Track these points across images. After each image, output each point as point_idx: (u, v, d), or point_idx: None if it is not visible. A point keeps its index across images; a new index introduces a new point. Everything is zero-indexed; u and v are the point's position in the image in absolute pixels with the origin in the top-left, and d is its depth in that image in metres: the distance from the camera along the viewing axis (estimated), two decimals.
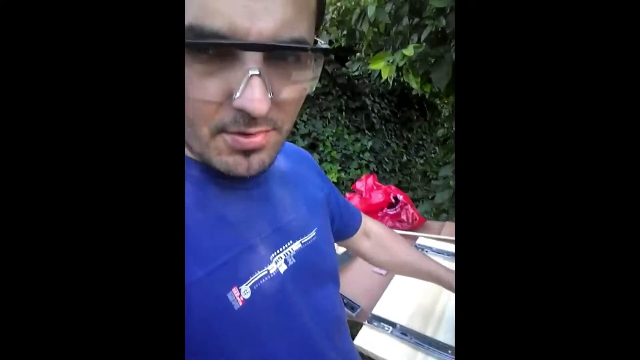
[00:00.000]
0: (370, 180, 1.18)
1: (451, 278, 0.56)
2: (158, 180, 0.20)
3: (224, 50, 0.24)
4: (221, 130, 0.27)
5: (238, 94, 0.25)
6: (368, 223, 0.62)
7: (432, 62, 1.16)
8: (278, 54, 0.26)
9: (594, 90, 0.18)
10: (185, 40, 0.22)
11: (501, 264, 0.19)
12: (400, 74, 1.29)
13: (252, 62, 0.24)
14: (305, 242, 0.39)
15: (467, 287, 0.20)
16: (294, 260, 0.37)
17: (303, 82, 0.28)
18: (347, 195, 1.21)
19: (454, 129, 1.71)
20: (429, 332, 0.70)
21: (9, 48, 0.17)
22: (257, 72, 0.24)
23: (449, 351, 0.65)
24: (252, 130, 0.27)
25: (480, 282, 0.20)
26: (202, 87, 0.25)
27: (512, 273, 0.19)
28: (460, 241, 0.21)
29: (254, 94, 0.24)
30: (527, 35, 0.19)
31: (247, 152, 0.28)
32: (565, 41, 0.18)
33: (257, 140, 0.28)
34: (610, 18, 0.18)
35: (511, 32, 0.19)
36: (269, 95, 0.25)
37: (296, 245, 0.38)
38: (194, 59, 0.24)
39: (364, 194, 1.16)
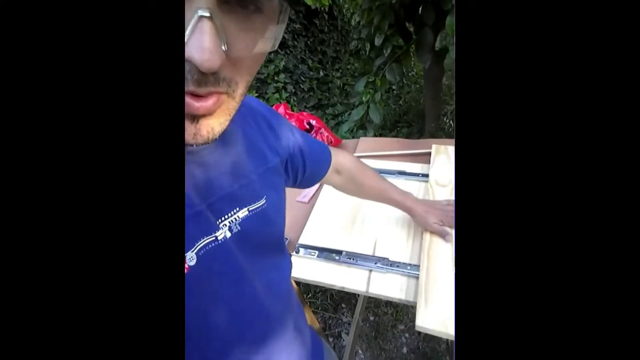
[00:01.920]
0: (281, 109, 1.15)
1: (406, 201, 0.70)
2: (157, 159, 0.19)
3: None
4: None
5: (186, 39, 0.20)
6: (338, 158, 0.63)
7: None
8: None
9: (592, 84, 0.18)
10: None
11: (500, 254, 0.19)
12: None
13: (203, 0, 0.19)
14: (253, 210, 0.38)
15: (467, 288, 0.20)
16: (239, 228, 0.36)
17: (265, 37, 0.24)
18: None
19: (364, 38, 1.67)
20: (351, 248, 0.76)
21: None
22: (208, 14, 0.20)
23: (368, 260, 0.72)
24: (201, 90, 0.22)
25: (479, 277, 0.20)
26: None
27: (509, 266, 0.19)
28: (460, 240, 0.20)
29: (202, 42, 0.20)
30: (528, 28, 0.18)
31: (195, 118, 0.24)
32: (562, 34, 0.18)
33: (207, 105, 0.23)
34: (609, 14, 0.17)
35: (510, 20, 0.18)
36: (223, 48, 0.21)
37: (242, 213, 0.37)
38: None
39: None
